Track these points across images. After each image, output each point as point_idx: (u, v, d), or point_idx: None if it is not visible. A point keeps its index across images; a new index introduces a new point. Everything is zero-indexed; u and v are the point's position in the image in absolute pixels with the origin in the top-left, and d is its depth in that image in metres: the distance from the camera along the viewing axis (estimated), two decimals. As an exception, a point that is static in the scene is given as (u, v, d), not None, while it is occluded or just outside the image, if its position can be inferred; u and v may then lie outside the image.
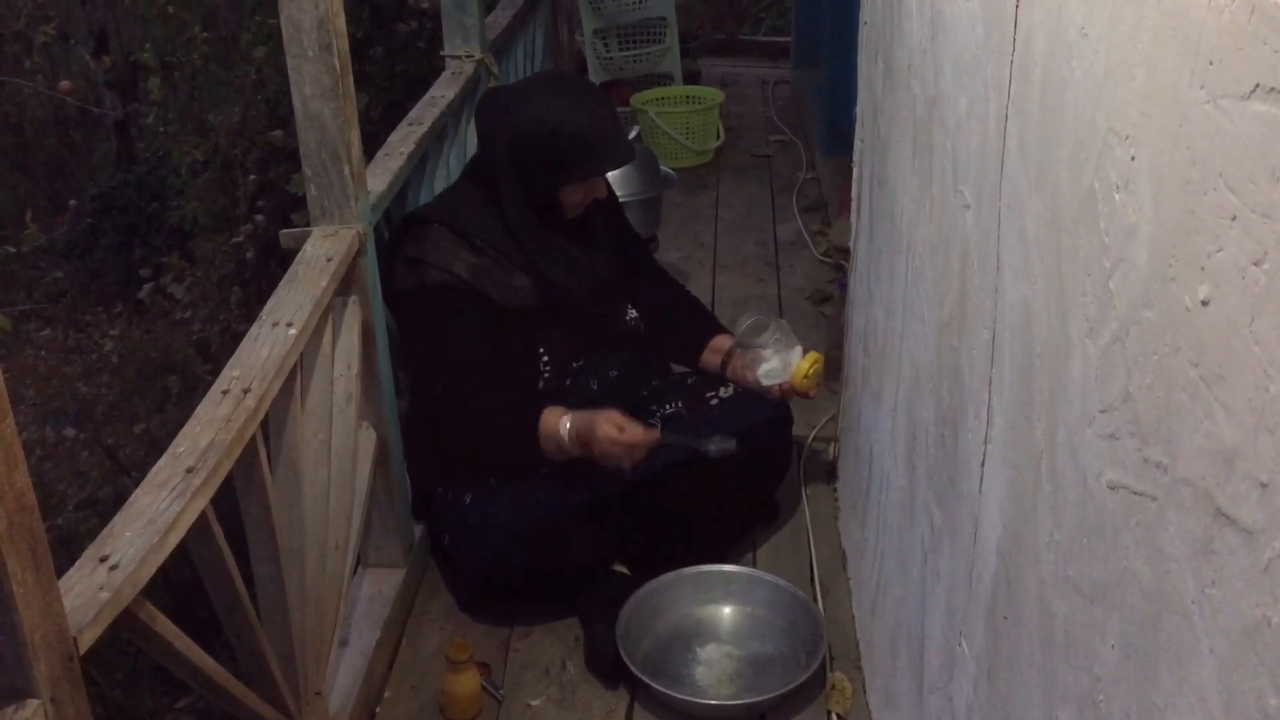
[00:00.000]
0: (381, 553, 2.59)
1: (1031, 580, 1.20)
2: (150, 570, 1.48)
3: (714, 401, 2.63)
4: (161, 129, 6.84)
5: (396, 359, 2.64)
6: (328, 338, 2.22)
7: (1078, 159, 1.05)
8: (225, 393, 1.83)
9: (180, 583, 4.28)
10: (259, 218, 5.72)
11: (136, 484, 1.62)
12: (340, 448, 2.24)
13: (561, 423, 2.43)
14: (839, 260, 3.45)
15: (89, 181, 9.31)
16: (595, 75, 5.42)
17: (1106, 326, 0.98)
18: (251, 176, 5.81)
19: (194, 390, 5.71)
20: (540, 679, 2.42)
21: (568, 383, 2.60)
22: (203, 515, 1.63)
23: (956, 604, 1.55)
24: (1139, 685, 0.93)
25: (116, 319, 7.27)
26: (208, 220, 6.03)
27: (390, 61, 5.44)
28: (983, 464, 1.40)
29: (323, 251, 2.25)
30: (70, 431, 6.32)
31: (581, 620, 2.50)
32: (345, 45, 2.22)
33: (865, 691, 2.34)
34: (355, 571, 2.52)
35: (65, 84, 8.60)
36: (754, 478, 2.70)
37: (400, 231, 2.58)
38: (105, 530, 1.52)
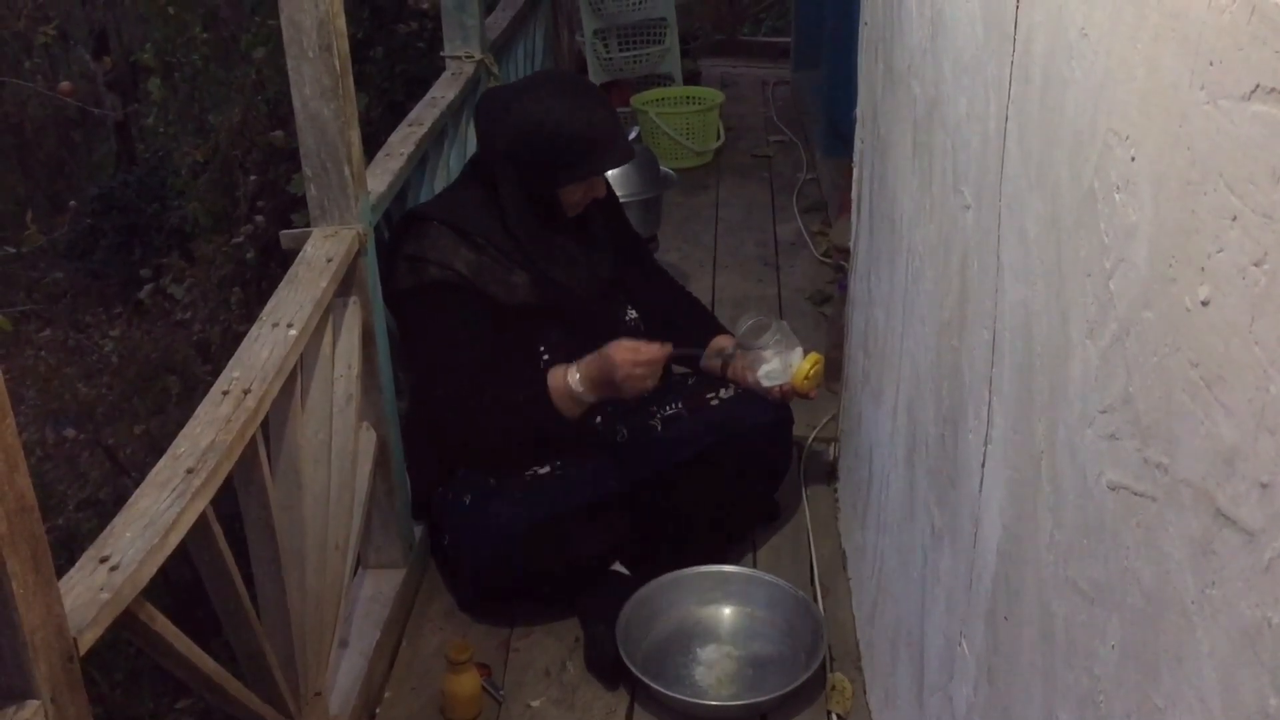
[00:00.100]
0: (382, 553, 2.59)
1: (1032, 581, 1.20)
2: (150, 571, 1.48)
3: (714, 402, 2.63)
4: (162, 129, 6.85)
5: (397, 359, 2.64)
6: (328, 338, 2.22)
7: (1078, 159, 1.05)
8: (225, 393, 1.83)
9: (180, 583, 4.29)
10: (259, 218, 5.72)
11: (137, 485, 1.62)
12: (340, 448, 2.24)
13: (569, 374, 2.45)
14: (839, 261, 3.45)
15: (89, 182, 9.31)
16: (595, 76, 5.42)
17: (1107, 327, 0.98)
18: (252, 177, 5.81)
19: (194, 391, 5.71)
20: (540, 679, 2.42)
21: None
22: (203, 516, 1.63)
23: (956, 604, 1.55)
24: (1139, 686, 0.93)
25: (117, 320, 7.27)
26: (208, 221, 6.03)
27: (390, 62, 5.44)
28: (983, 464, 1.40)
29: (323, 252, 2.25)
30: (70, 432, 6.32)
31: (581, 621, 2.50)
32: (345, 46, 2.22)
33: (865, 692, 2.34)
34: (355, 572, 2.52)
35: (65, 84, 8.60)
36: (754, 478, 2.70)
37: (400, 230, 2.59)
38: (105, 531, 1.52)
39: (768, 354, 2.61)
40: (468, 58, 3.66)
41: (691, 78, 5.78)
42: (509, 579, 2.50)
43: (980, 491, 1.42)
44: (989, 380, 1.37)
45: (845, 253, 3.02)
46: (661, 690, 2.29)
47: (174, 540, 1.54)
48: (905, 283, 1.96)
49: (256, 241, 5.70)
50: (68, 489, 5.94)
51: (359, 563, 2.54)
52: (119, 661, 4.92)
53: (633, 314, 2.72)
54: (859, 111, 2.61)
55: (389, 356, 2.50)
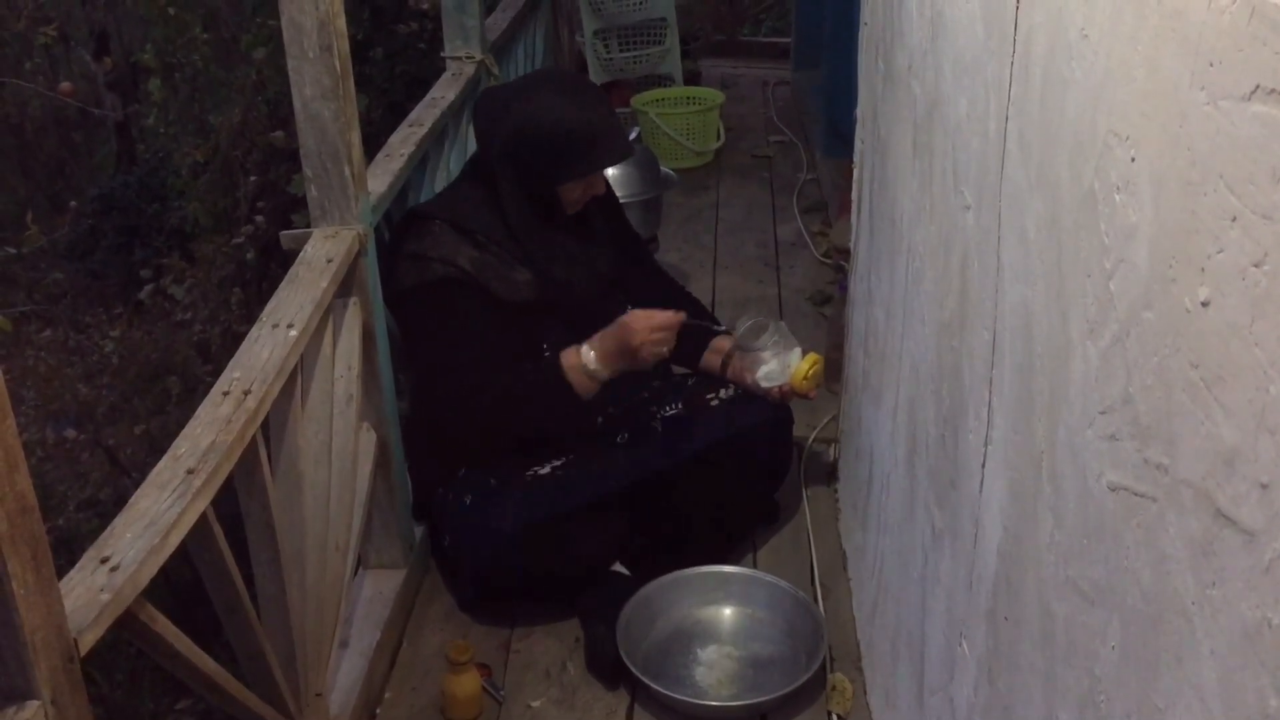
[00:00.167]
0: (382, 554, 2.59)
1: (1032, 581, 1.20)
2: (151, 571, 1.48)
3: (714, 402, 2.63)
4: (162, 130, 6.84)
5: (397, 360, 2.64)
6: (328, 339, 2.22)
7: (1078, 160, 1.05)
8: (226, 394, 1.83)
9: (181, 584, 4.28)
10: (259, 219, 5.72)
11: (137, 485, 1.62)
12: (341, 449, 2.24)
13: (582, 353, 2.47)
14: (839, 261, 3.45)
15: (89, 183, 9.30)
16: (595, 76, 5.42)
17: (1107, 327, 0.98)
18: (252, 178, 5.81)
19: (194, 391, 5.71)
20: (541, 680, 2.42)
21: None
22: (203, 516, 1.63)
23: (957, 605, 1.55)
24: (1140, 686, 0.93)
25: (117, 320, 7.26)
26: (208, 221, 6.03)
27: (391, 63, 5.44)
28: (983, 465, 1.40)
29: (323, 253, 2.25)
30: (71, 433, 6.32)
31: (582, 621, 2.50)
32: (346, 46, 2.22)
33: (866, 692, 2.34)
34: (356, 573, 2.52)
35: (66, 85, 8.61)
36: (754, 479, 2.70)
37: (401, 229, 2.59)
38: (106, 531, 1.52)
39: (766, 355, 2.62)
40: (468, 58, 3.66)
41: (692, 78, 5.78)
42: (509, 579, 2.50)
43: (980, 492, 1.42)
44: (989, 381, 1.37)
45: (845, 253, 3.02)
46: (662, 691, 2.29)
47: (174, 541, 1.54)
48: (905, 283, 1.96)
49: (257, 242, 5.70)
50: (68, 489, 5.94)
51: (359, 563, 2.54)
52: (119, 662, 4.92)
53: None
54: (859, 112, 2.61)
55: (389, 357, 2.50)
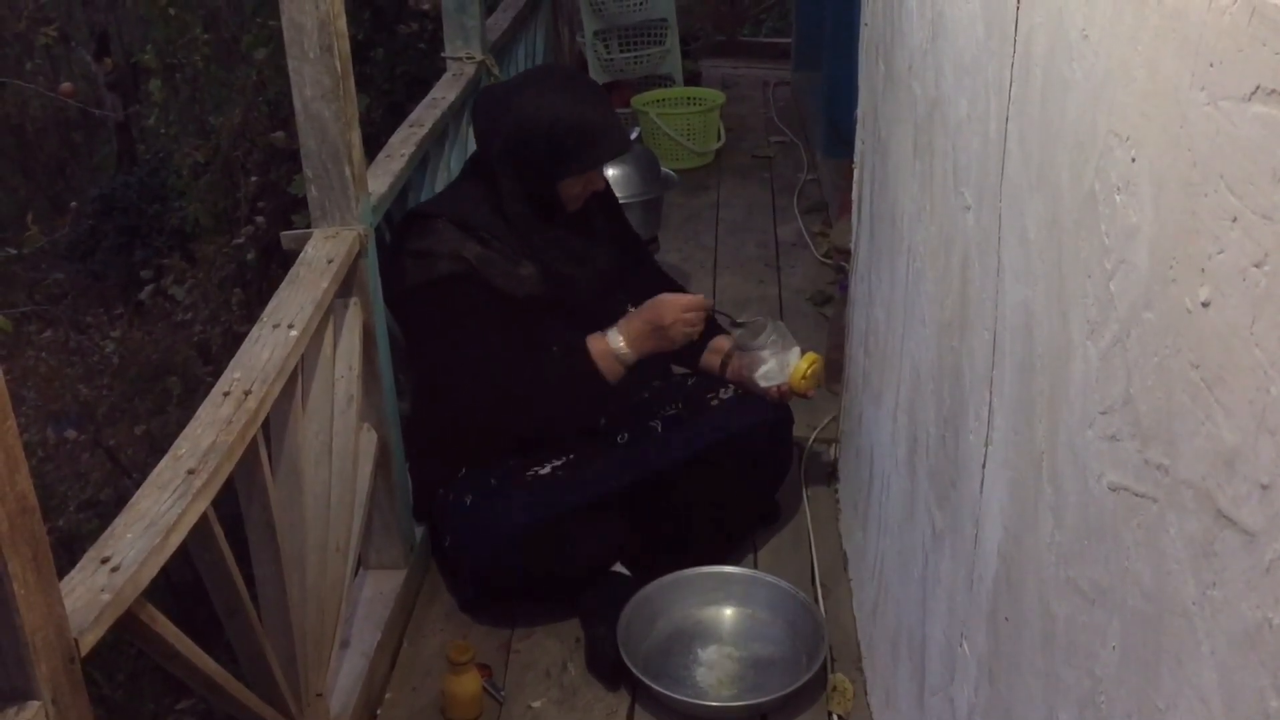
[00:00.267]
0: (382, 554, 2.59)
1: (1032, 582, 1.20)
2: (151, 572, 1.48)
3: (714, 403, 2.63)
4: (162, 130, 6.84)
5: (397, 360, 2.64)
6: (329, 339, 2.22)
7: (1078, 160, 1.05)
8: (226, 394, 1.83)
9: (181, 584, 4.28)
10: (260, 219, 5.72)
11: (137, 485, 1.62)
12: (341, 449, 2.24)
13: (608, 337, 2.50)
14: (840, 262, 3.45)
15: (90, 183, 9.31)
16: (596, 77, 5.42)
17: (1107, 328, 0.98)
18: (252, 178, 5.81)
19: (195, 392, 5.71)
20: (541, 680, 2.42)
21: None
22: (204, 517, 1.63)
23: (957, 605, 1.55)
24: (1140, 687, 0.93)
25: (117, 320, 7.26)
26: (209, 222, 6.03)
27: (391, 63, 5.44)
28: (983, 465, 1.40)
29: (324, 253, 2.25)
30: (71, 433, 6.32)
31: (582, 622, 2.50)
32: (346, 47, 2.22)
33: (866, 693, 2.34)
34: (356, 573, 2.52)
35: (66, 86, 8.61)
36: (755, 479, 2.70)
37: (403, 228, 2.59)
38: (106, 532, 1.52)
39: (765, 354, 2.62)
40: (469, 59, 3.66)
41: (692, 78, 5.78)
42: (510, 579, 2.50)
43: (981, 492, 1.42)
44: (989, 381, 1.37)
45: (846, 253, 3.02)
46: (662, 691, 2.29)
47: (175, 541, 1.54)
48: (906, 283, 1.96)
49: (257, 242, 5.70)
50: (69, 490, 5.94)
51: (360, 564, 2.54)
52: (120, 662, 4.92)
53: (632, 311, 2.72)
54: (859, 112, 2.61)
55: (389, 357, 2.50)
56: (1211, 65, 0.78)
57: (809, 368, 2.62)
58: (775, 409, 2.66)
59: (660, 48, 5.51)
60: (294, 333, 2.00)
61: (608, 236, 2.75)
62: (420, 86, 4.22)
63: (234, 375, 1.88)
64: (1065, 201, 1.09)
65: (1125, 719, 0.97)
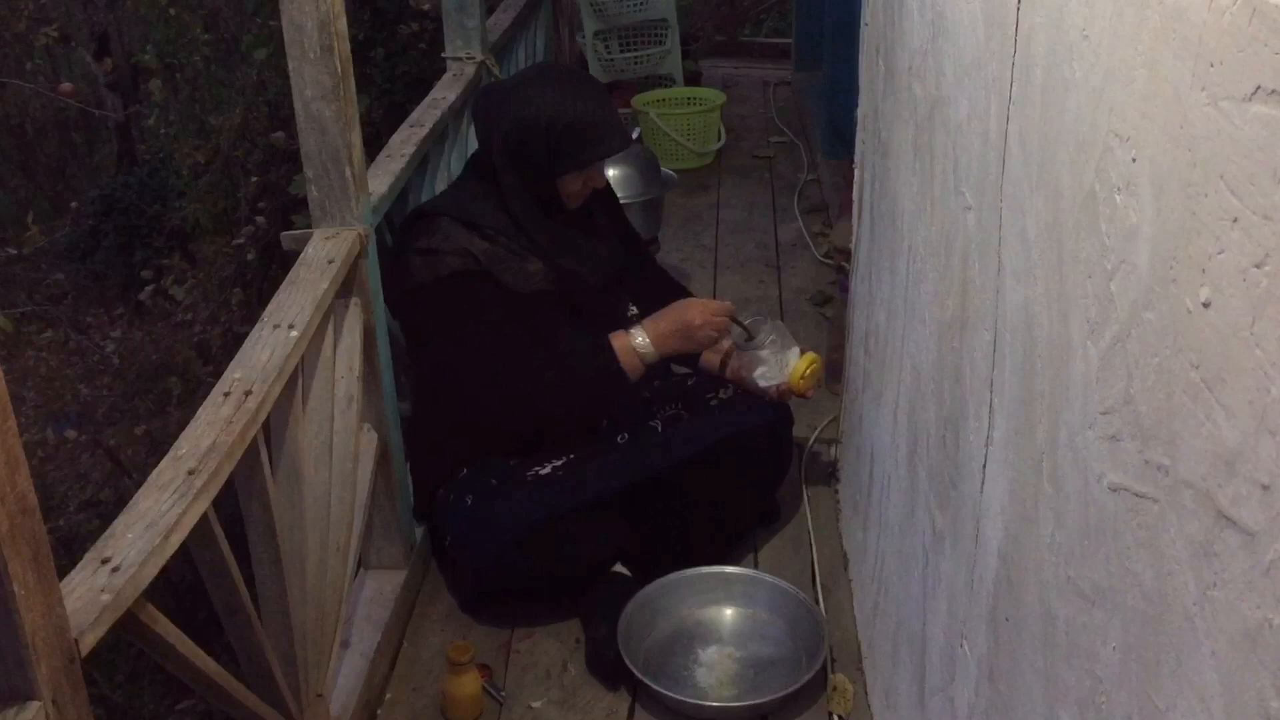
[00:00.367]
0: (383, 554, 2.59)
1: (1033, 582, 1.20)
2: (152, 572, 1.48)
3: (714, 403, 2.63)
4: (163, 131, 6.85)
5: (398, 361, 2.64)
6: (329, 340, 2.22)
7: (1079, 160, 1.05)
8: (226, 395, 1.83)
9: (182, 584, 4.29)
10: (260, 219, 5.72)
11: (138, 486, 1.62)
12: (341, 449, 2.24)
13: (631, 336, 2.52)
14: (840, 262, 3.45)
15: (90, 183, 9.31)
16: (596, 77, 5.42)
17: (1108, 328, 0.98)
18: (253, 178, 5.82)
19: (195, 392, 5.71)
20: (541, 680, 2.42)
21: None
22: (204, 517, 1.63)
23: (958, 606, 1.55)
24: (1140, 687, 0.93)
25: (117, 321, 7.27)
26: (209, 222, 6.04)
27: (391, 63, 5.44)
28: (984, 466, 1.40)
29: (324, 253, 2.25)
30: (71, 433, 6.32)
31: (583, 622, 2.50)
32: (346, 47, 2.22)
33: (867, 693, 2.34)
34: (356, 573, 2.52)
35: (66, 86, 8.61)
36: (755, 479, 2.70)
37: (408, 227, 2.58)
38: (107, 532, 1.52)
39: (764, 354, 2.62)
40: (469, 59, 3.66)
41: (692, 79, 5.78)
42: (510, 580, 2.50)
43: (981, 493, 1.42)
44: (990, 381, 1.37)
45: (846, 254, 3.02)
46: (663, 691, 2.29)
47: (175, 541, 1.54)
48: (906, 284, 1.96)
49: (257, 243, 5.70)
50: (69, 490, 5.94)
51: (360, 564, 2.54)
52: (120, 662, 4.92)
53: (634, 310, 2.73)
54: (860, 112, 2.61)
55: (390, 357, 2.50)
56: (1212, 65, 0.78)
57: (808, 368, 2.62)
58: (775, 409, 2.66)
59: (660, 48, 5.51)
60: (294, 333, 2.00)
61: (610, 234, 2.76)
62: (420, 87, 4.23)
63: (234, 375, 1.88)
64: (1066, 201, 1.09)
65: (1125, 719, 0.97)
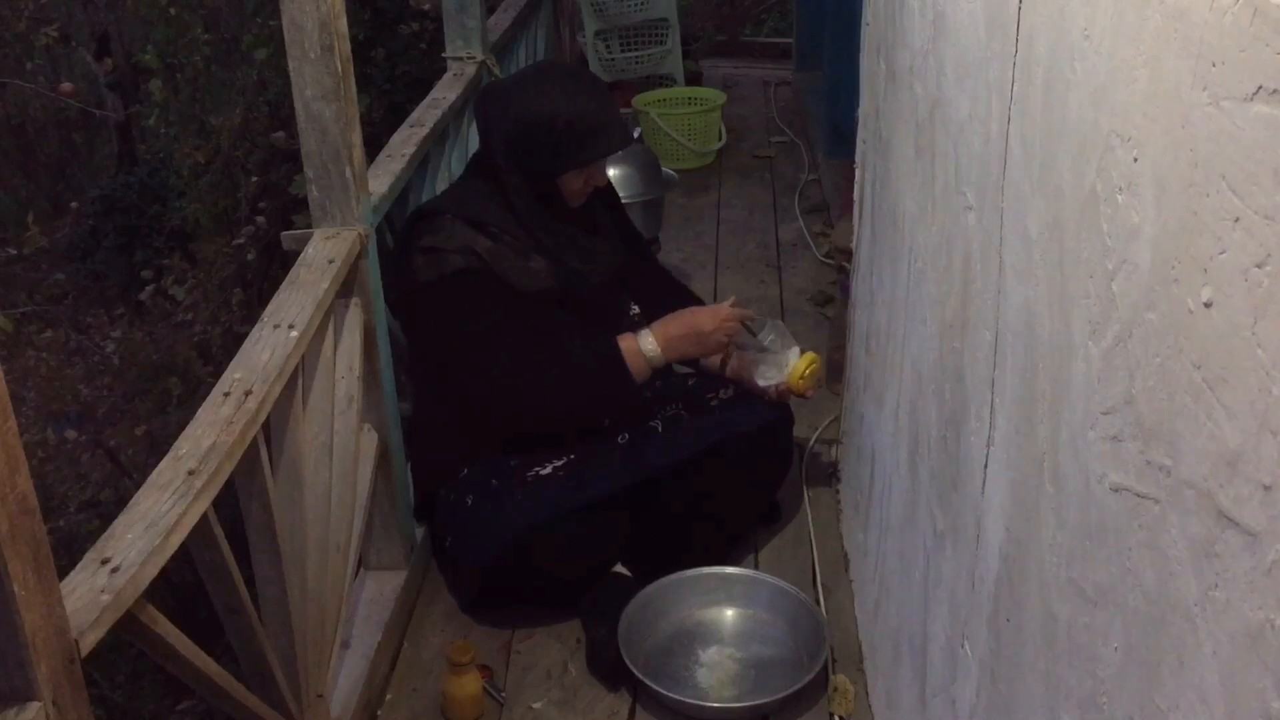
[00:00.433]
0: (383, 555, 2.59)
1: (1034, 582, 1.20)
2: (152, 572, 1.47)
3: (714, 403, 2.63)
4: (163, 131, 6.84)
5: (398, 361, 2.64)
6: (329, 340, 2.22)
7: (1080, 160, 1.05)
8: (227, 395, 1.83)
9: (182, 585, 4.29)
10: (260, 219, 5.73)
11: (138, 486, 1.62)
12: (342, 450, 2.24)
13: (640, 339, 2.53)
14: (841, 262, 3.45)
15: (90, 183, 9.31)
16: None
17: (1109, 328, 0.98)
18: (253, 178, 5.82)
19: (195, 392, 5.71)
20: (542, 681, 2.42)
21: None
22: (204, 517, 1.63)
23: (959, 606, 1.54)
24: (1142, 688, 0.93)
25: (118, 321, 7.27)
26: (209, 222, 6.04)
27: (392, 63, 5.44)
28: (985, 466, 1.40)
29: (324, 253, 2.25)
30: (72, 433, 6.32)
31: (583, 622, 2.50)
32: (347, 47, 2.22)
33: (868, 694, 2.34)
34: (357, 574, 2.52)
35: (66, 86, 8.59)
36: (755, 479, 2.70)
37: (411, 226, 2.58)
38: (107, 532, 1.52)
39: (764, 353, 2.61)
40: (469, 59, 3.66)
41: (693, 78, 5.78)
42: (511, 580, 2.50)
43: (982, 493, 1.42)
44: (991, 381, 1.37)
45: (847, 254, 3.02)
46: (663, 692, 2.29)
47: (175, 542, 1.54)
48: (907, 284, 1.96)
49: (258, 243, 5.71)
50: (69, 491, 5.94)
51: (360, 564, 2.54)
52: (120, 663, 4.92)
53: (635, 310, 2.73)
54: (861, 112, 2.61)
55: (390, 358, 2.50)
56: (1213, 65, 0.78)
57: (807, 368, 2.62)
58: (776, 409, 2.66)
59: (661, 48, 5.51)
60: (294, 333, 2.00)
61: (612, 233, 2.76)
62: (421, 87, 4.22)
63: (234, 376, 1.88)
64: (1067, 202, 1.08)
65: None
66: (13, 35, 7.91)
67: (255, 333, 2.02)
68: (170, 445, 1.71)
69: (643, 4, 5.42)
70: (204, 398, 1.84)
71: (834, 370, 3.14)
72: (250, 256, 5.75)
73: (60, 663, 1.30)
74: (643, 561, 2.58)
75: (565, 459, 2.51)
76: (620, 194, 3.06)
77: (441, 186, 3.18)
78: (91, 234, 8.34)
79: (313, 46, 2.16)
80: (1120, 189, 0.95)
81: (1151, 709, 0.91)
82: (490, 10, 4.27)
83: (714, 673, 2.42)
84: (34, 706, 1.26)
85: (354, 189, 2.29)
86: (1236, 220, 0.75)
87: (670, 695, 2.29)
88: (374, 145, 2.85)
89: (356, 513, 2.31)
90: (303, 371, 2.07)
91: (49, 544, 1.26)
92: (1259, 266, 0.73)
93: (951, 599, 1.59)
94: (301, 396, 2.07)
